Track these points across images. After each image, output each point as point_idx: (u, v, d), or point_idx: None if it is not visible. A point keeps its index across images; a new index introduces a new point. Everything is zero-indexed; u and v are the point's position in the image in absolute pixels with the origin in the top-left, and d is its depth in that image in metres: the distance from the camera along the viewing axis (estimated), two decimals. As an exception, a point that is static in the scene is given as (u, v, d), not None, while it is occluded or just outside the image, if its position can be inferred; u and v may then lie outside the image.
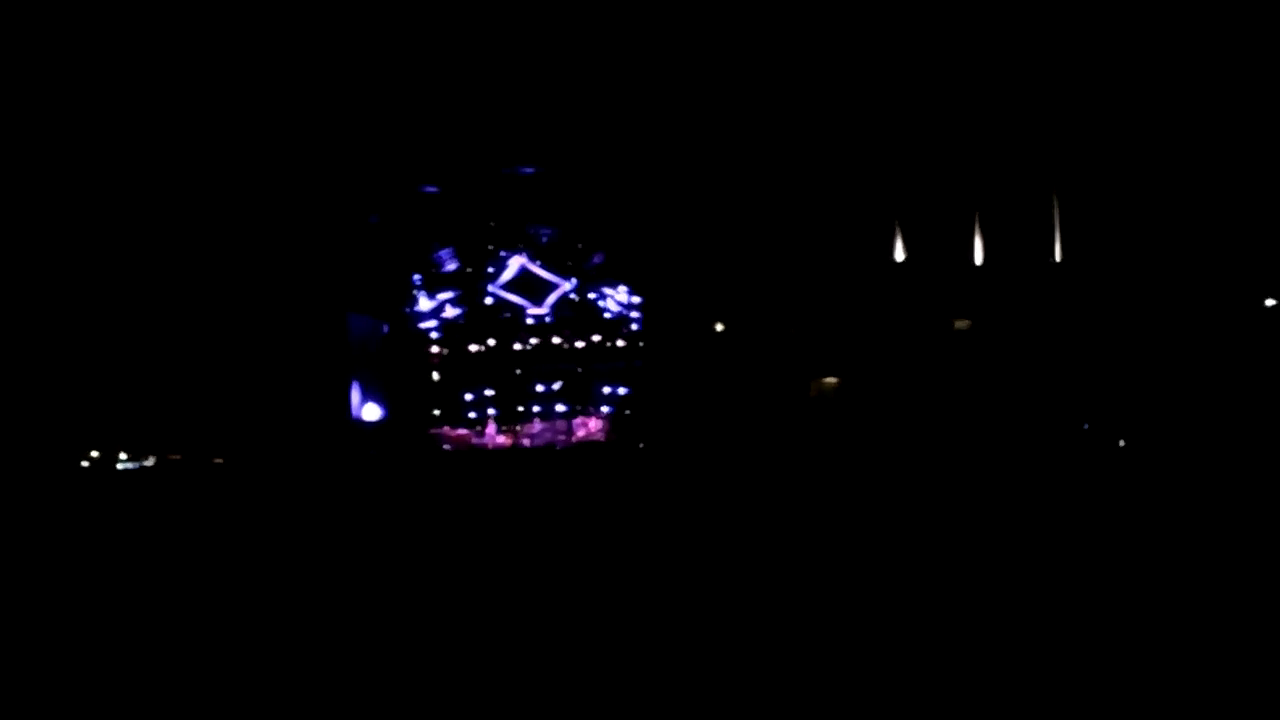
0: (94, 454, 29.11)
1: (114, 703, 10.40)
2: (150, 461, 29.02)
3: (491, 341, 32.09)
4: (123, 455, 29.17)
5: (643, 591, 13.30)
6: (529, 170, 31.39)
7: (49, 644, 12.09)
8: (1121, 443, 27.36)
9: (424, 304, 32.45)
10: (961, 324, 30.86)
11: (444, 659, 11.16)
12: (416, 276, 32.52)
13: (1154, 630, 11.00)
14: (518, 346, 32.09)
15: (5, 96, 27.75)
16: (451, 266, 32.65)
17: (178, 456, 29.20)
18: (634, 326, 32.46)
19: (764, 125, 30.07)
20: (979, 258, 30.88)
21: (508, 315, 32.23)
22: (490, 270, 32.67)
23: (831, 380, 30.96)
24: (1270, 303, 29.31)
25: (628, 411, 32.08)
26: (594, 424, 31.82)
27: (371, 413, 31.34)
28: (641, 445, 30.64)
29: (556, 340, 32.10)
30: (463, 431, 31.60)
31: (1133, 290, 29.61)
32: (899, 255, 30.95)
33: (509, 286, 32.45)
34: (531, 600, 13.07)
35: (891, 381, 30.18)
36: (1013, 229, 30.58)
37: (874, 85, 29.80)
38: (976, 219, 30.78)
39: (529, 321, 32.13)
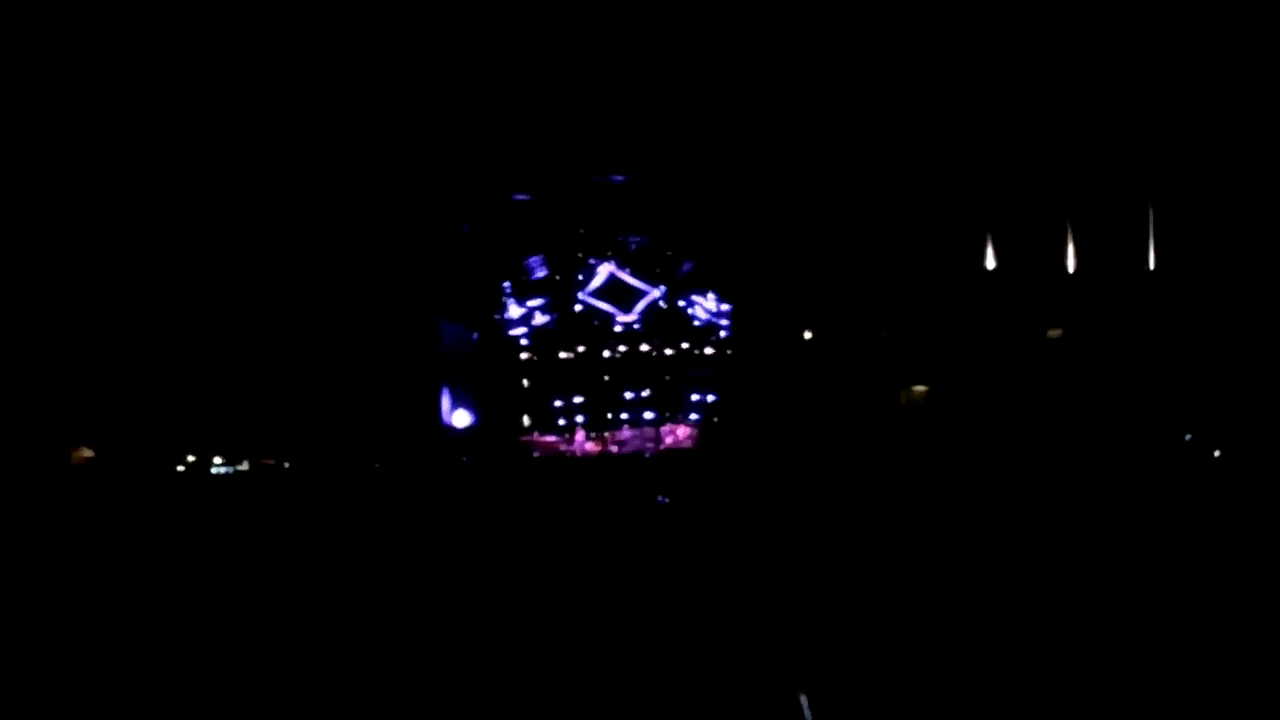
0: (190, 458, 29.68)
1: (198, 690, 10.81)
2: (244, 466, 29.49)
3: (581, 349, 32.22)
4: (217, 460, 29.73)
5: (730, 595, 13.34)
6: (619, 178, 31.34)
7: (145, 632, 12.59)
8: (1217, 453, 26.78)
9: (514, 311, 32.55)
10: (1054, 333, 30.20)
11: (538, 660, 11.35)
12: (507, 284, 32.62)
13: (1259, 643, 11.03)
14: (606, 354, 32.22)
15: (112, 117, 28.45)
16: (541, 274, 32.61)
17: (271, 461, 29.64)
18: (723, 334, 32.26)
19: (855, 134, 29.78)
20: (1071, 265, 30.28)
21: (597, 323, 32.38)
22: (580, 278, 32.74)
23: (921, 389, 30.57)
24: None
25: (716, 419, 31.91)
26: (682, 431, 31.72)
27: (461, 419, 31.30)
28: (730, 453, 30.25)
29: (645, 348, 32.08)
30: (552, 438, 31.65)
31: (1228, 298, 28.95)
32: (990, 263, 30.29)
33: (598, 294, 32.46)
34: (622, 604, 13.16)
35: (983, 390, 29.54)
36: (1106, 236, 30.01)
37: (965, 93, 29.39)
38: (1069, 226, 30.23)
39: (618, 329, 32.22)
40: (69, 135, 28.37)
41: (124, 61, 27.93)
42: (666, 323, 32.38)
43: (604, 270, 32.24)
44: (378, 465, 28.93)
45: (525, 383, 31.96)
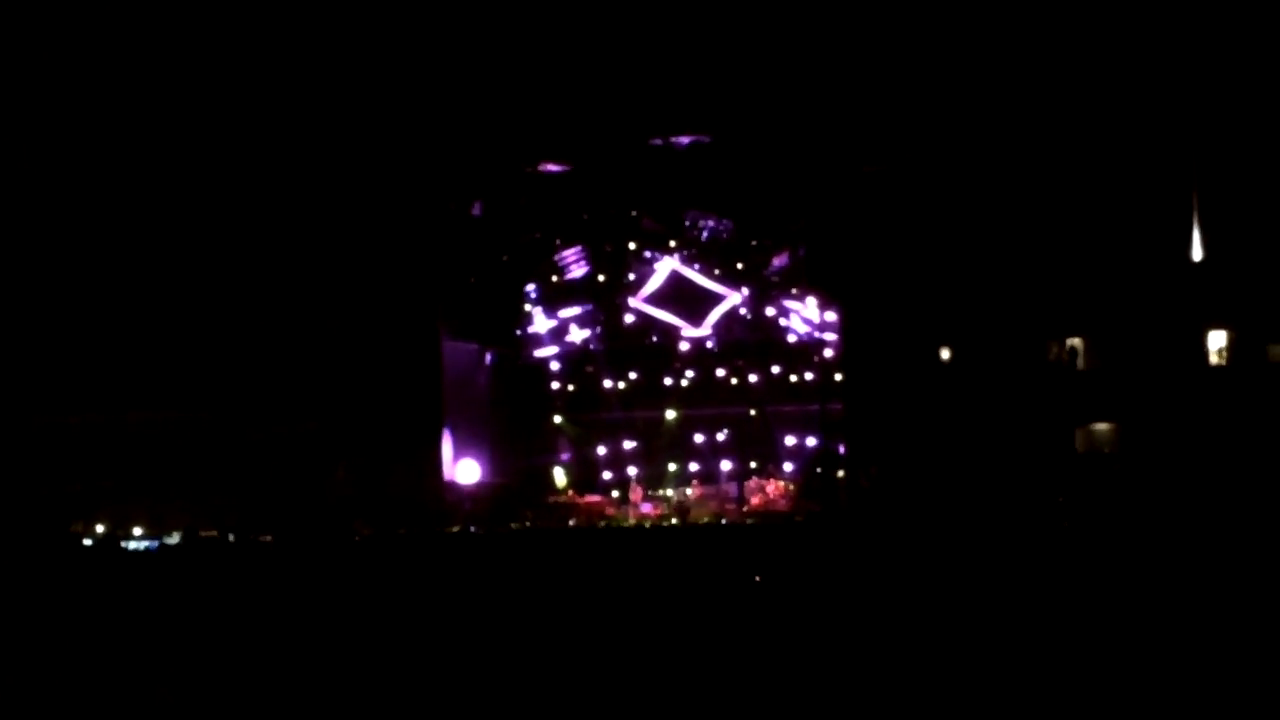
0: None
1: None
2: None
3: (633, 375, 29.87)
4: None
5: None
6: (687, 140, 28.58)
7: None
8: None
9: (541, 324, 29.75)
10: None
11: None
12: (531, 287, 29.98)
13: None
14: (669, 381, 29.98)
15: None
16: (579, 272, 30.20)
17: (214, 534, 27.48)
18: (828, 353, 29.61)
19: (1022, 74, 26.40)
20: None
21: (655, 339, 29.98)
22: (632, 277, 30.15)
23: (1106, 427, 27.39)
24: None
25: (820, 470, 29.22)
26: (773, 488, 29.13)
27: (469, 473, 29.07)
28: (841, 518, 27.22)
29: (721, 372, 29.55)
30: (595, 498, 29.37)
31: None
32: (1197, 251, 26.33)
33: (658, 299, 29.87)
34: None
35: (1193, 429, 25.64)
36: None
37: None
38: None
39: (684, 346, 29.70)
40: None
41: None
42: (751, 338, 29.86)
43: (665, 266, 29.35)
44: (356, 539, 26.18)
45: (557, 421, 29.61)
